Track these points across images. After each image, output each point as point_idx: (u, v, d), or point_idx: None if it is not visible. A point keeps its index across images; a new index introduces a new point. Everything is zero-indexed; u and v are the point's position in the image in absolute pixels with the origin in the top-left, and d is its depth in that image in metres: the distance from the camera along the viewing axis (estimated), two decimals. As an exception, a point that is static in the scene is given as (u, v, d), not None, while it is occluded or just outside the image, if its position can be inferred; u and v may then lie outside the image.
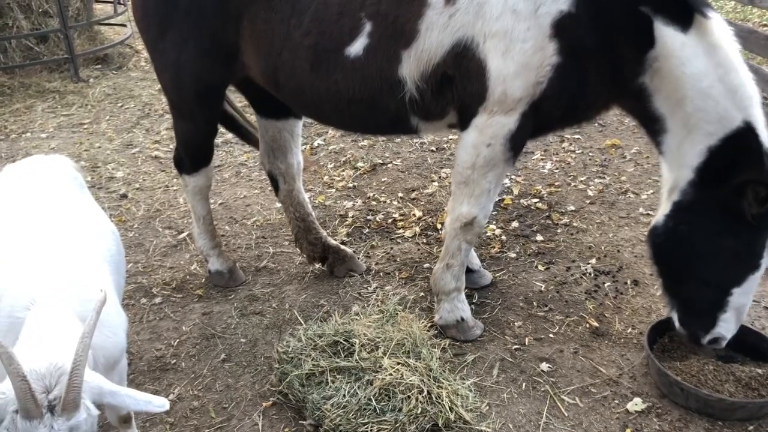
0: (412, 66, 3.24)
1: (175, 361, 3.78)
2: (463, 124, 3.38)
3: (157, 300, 4.36)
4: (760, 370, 3.30)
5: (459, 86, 3.25)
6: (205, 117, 4.07)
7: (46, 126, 7.86)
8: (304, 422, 3.24)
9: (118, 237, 3.03)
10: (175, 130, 4.29)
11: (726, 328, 3.18)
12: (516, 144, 3.32)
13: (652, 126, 3.17)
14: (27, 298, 2.28)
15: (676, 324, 3.36)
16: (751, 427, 3.14)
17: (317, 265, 4.63)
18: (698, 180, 3.04)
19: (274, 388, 3.49)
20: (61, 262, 2.48)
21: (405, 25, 3.20)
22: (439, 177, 5.99)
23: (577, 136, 6.78)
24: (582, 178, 5.84)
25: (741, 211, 2.91)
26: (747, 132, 2.92)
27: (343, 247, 4.63)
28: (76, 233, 2.71)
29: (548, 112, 3.24)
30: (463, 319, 3.84)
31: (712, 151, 2.97)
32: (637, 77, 3.07)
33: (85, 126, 7.87)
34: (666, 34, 2.94)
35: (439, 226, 5.06)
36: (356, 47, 3.30)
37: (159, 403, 2.08)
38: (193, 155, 4.23)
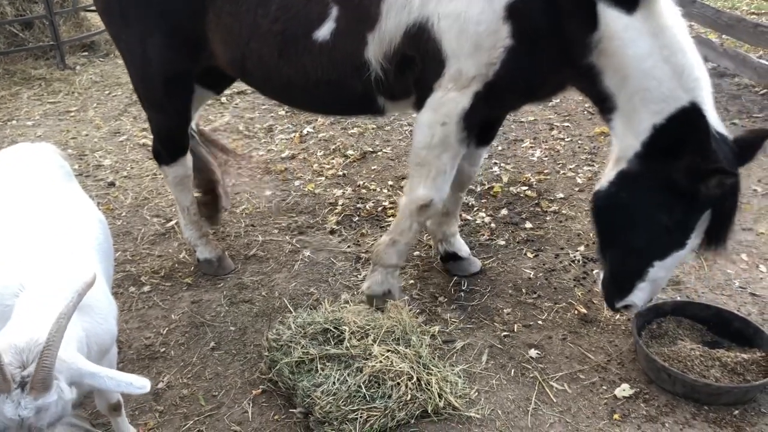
0: (376, 48, 3.30)
1: (164, 349, 3.77)
2: (419, 103, 3.44)
3: (146, 288, 4.34)
4: (745, 356, 3.34)
5: (419, 66, 3.30)
6: (176, 107, 4.06)
7: (32, 114, 7.78)
8: (294, 410, 3.25)
9: (106, 225, 3.01)
10: (149, 121, 4.29)
11: (639, 297, 3.33)
12: (470, 124, 3.36)
13: (603, 104, 3.23)
14: (16, 285, 2.27)
15: (599, 285, 3.51)
16: (736, 412, 3.18)
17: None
18: (644, 153, 3.12)
19: (263, 376, 3.49)
20: (49, 250, 2.46)
21: (369, 7, 3.25)
22: (429, 165, 5.98)
23: (566, 124, 6.79)
24: (571, 166, 5.85)
25: (682, 189, 3.00)
26: (693, 112, 2.98)
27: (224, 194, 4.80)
28: (64, 222, 2.69)
29: (502, 92, 3.29)
30: (390, 292, 3.90)
31: (657, 129, 3.05)
32: (585, 57, 3.11)
33: (72, 114, 7.79)
34: (609, 16, 2.98)
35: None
36: (324, 31, 3.36)
37: (140, 384, 2.02)
38: (168, 146, 4.23)
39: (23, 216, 2.63)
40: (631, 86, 3.04)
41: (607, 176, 3.30)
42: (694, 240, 3.14)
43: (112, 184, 5.88)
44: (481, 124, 3.52)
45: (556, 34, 3.09)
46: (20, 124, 7.46)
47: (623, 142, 3.19)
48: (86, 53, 10.20)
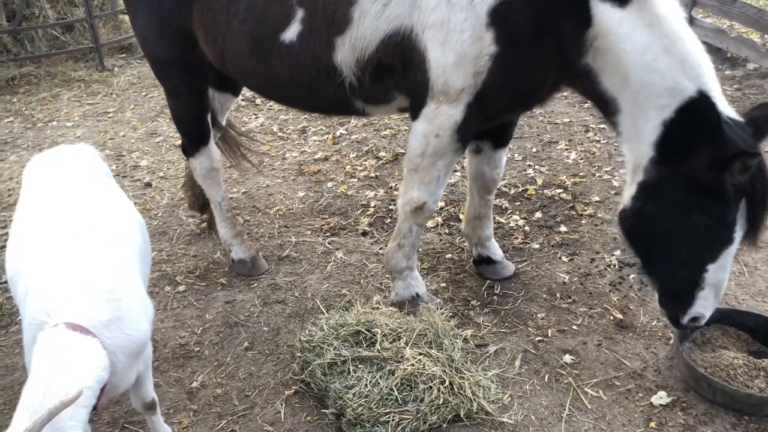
0: (347, 53, 3.26)
1: (198, 348, 3.82)
2: (413, 113, 3.39)
3: (181, 288, 4.41)
4: (792, 366, 3.23)
5: (400, 74, 3.26)
6: (190, 92, 4.13)
7: (71, 115, 7.96)
8: (326, 411, 3.26)
9: (144, 226, 3.06)
10: (170, 109, 4.40)
11: (704, 305, 3.07)
12: (463, 135, 3.33)
13: (606, 108, 3.08)
14: (47, 304, 2.29)
15: (657, 304, 3.29)
16: (779, 423, 3.09)
17: (199, 215, 5.14)
18: (659, 156, 2.94)
19: (296, 377, 3.51)
20: (84, 262, 2.48)
21: (335, 12, 3.21)
22: (462, 167, 5.94)
23: (602, 126, 6.68)
24: (607, 169, 5.76)
25: (710, 184, 2.81)
26: (701, 101, 2.81)
27: None
28: (103, 227, 2.72)
29: (493, 101, 3.20)
30: (418, 295, 3.89)
31: (667, 125, 2.88)
32: (581, 58, 2.98)
33: (110, 115, 7.95)
34: (602, 11, 2.85)
35: (461, 216, 5.03)
36: (290, 33, 3.36)
37: None
38: (188, 134, 4.32)
39: (64, 218, 2.67)
40: (633, 84, 2.89)
41: (628, 191, 3.11)
42: (740, 232, 2.92)
43: (148, 185, 5.98)
44: (477, 132, 3.47)
45: (546, 36, 2.98)
46: (60, 125, 7.64)
47: (635, 149, 3.02)
48: (124, 55, 10.41)
